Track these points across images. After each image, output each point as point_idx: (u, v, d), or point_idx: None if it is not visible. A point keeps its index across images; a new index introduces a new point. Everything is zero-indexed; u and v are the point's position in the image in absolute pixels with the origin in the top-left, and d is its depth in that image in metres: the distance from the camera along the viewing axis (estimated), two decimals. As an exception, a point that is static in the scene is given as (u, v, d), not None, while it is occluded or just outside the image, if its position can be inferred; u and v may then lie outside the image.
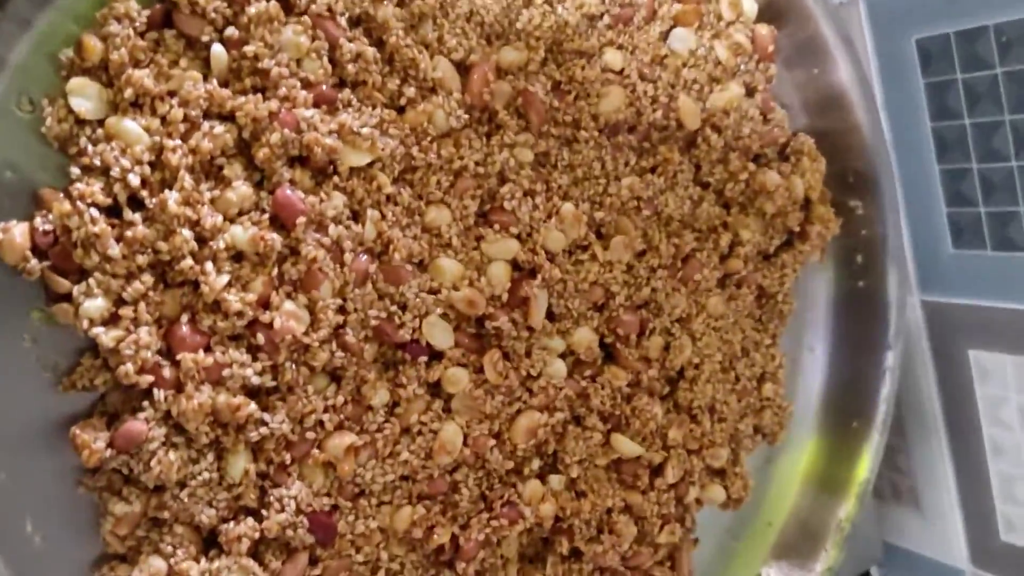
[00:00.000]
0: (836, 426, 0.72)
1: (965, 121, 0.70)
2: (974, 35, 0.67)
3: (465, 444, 0.56)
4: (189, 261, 0.48)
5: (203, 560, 0.51)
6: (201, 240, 0.48)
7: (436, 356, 0.56)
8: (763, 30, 0.65)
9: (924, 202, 0.74)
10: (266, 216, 0.50)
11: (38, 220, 0.47)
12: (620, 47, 0.61)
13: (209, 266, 0.48)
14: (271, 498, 0.52)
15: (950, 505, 0.79)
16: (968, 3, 0.67)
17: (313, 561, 0.54)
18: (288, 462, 0.52)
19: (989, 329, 0.72)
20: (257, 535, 0.51)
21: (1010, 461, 0.74)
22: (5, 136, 0.47)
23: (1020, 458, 0.73)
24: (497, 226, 0.57)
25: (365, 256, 0.52)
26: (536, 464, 0.60)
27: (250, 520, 0.51)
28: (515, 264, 0.58)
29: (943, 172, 0.73)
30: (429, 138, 0.54)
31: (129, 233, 0.47)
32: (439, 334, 0.55)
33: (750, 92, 0.66)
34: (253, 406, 0.50)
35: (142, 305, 0.48)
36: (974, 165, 0.70)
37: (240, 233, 0.49)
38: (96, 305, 0.47)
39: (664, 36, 0.62)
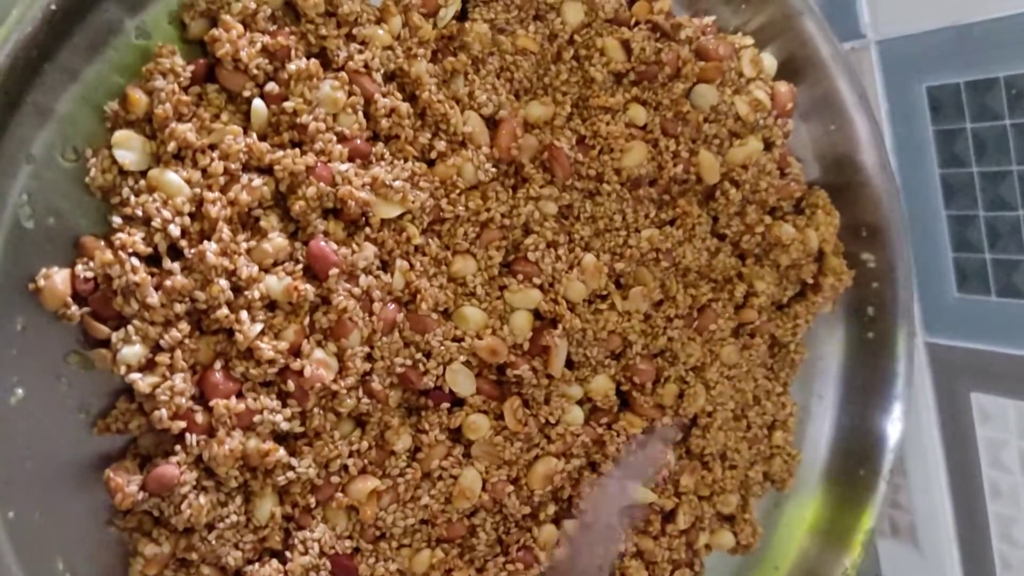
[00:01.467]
0: (843, 474, 0.73)
1: (973, 169, 0.71)
2: (985, 86, 0.68)
3: (484, 489, 0.57)
4: (225, 310, 0.49)
5: (228, 600, 0.52)
6: (237, 289, 0.50)
7: (458, 403, 0.57)
8: (782, 87, 0.66)
9: (931, 246, 0.75)
10: (300, 266, 0.51)
11: (79, 267, 0.48)
12: (644, 103, 0.62)
13: (244, 315, 0.50)
14: (295, 540, 0.53)
15: (948, 543, 0.80)
16: (980, 55, 0.68)
17: (334, 603, 0.55)
18: (313, 505, 0.53)
19: (991, 373, 0.73)
20: (281, 576, 0.53)
21: (1008, 503, 0.75)
22: (49, 184, 0.48)
23: (1018, 501, 0.74)
24: (521, 276, 0.58)
25: (393, 305, 0.54)
26: (552, 509, 0.61)
27: (274, 562, 0.52)
28: (536, 313, 0.59)
29: (950, 218, 0.74)
30: (458, 191, 0.55)
31: (168, 282, 0.48)
32: (462, 381, 0.57)
33: (768, 146, 0.67)
34: (282, 451, 0.51)
35: (178, 352, 0.49)
36: (981, 212, 0.71)
37: (275, 283, 0.50)
38: (134, 352, 0.48)
39: (687, 93, 0.63)
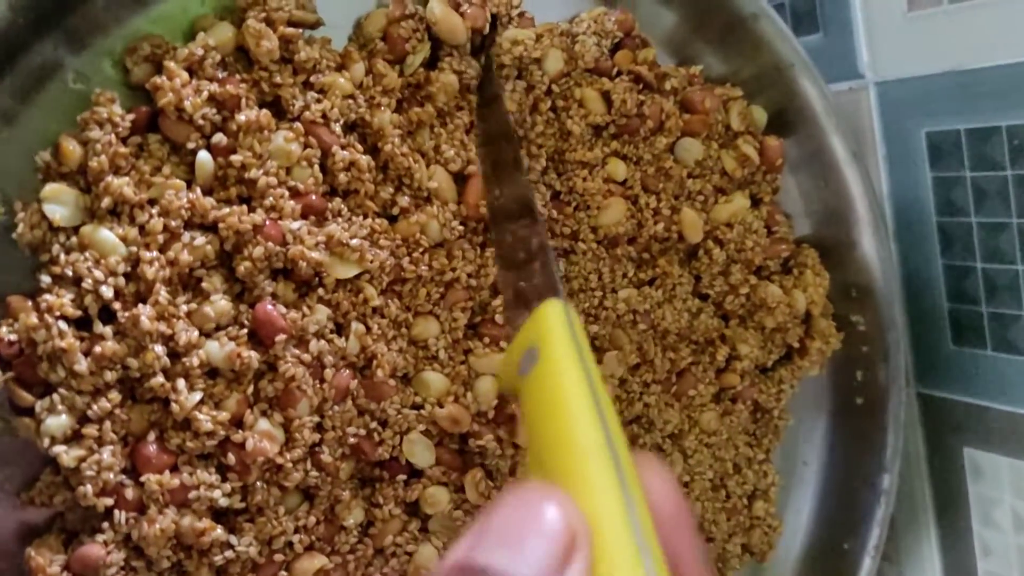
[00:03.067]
0: (827, 547, 0.70)
1: (972, 219, 0.69)
2: (986, 134, 0.66)
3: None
4: (160, 378, 0.46)
5: None
6: (174, 355, 0.46)
7: (415, 474, 0.54)
8: (772, 142, 0.64)
9: (926, 295, 0.72)
10: (244, 331, 0.48)
11: (3, 329, 0.45)
12: (624, 157, 0.59)
13: (181, 383, 0.46)
14: (234, 624, 0.49)
15: (936, 599, 0.77)
16: (982, 103, 0.66)
17: None
18: (254, 586, 0.50)
19: (985, 429, 0.71)
20: (216, 664, 0.49)
21: (999, 563, 0.72)
22: (-26, 237, 0.45)
23: (1009, 560, 0.72)
24: (487, 339, 0.55)
25: (347, 371, 0.50)
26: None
27: (210, 648, 0.49)
28: (503, 379, 0.56)
29: (946, 267, 0.71)
30: (421, 249, 0.52)
31: (98, 348, 0.45)
32: (420, 452, 0.53)
33: (756, 203, 0.64)
34: (219, 531, 0.47)
35: (107, 424, 0.45)
36: (978, 264, 0.69)
37: (216, 350, 0.47)
38: (59, 423, 0.45)
39: (670, 147, 0.60)
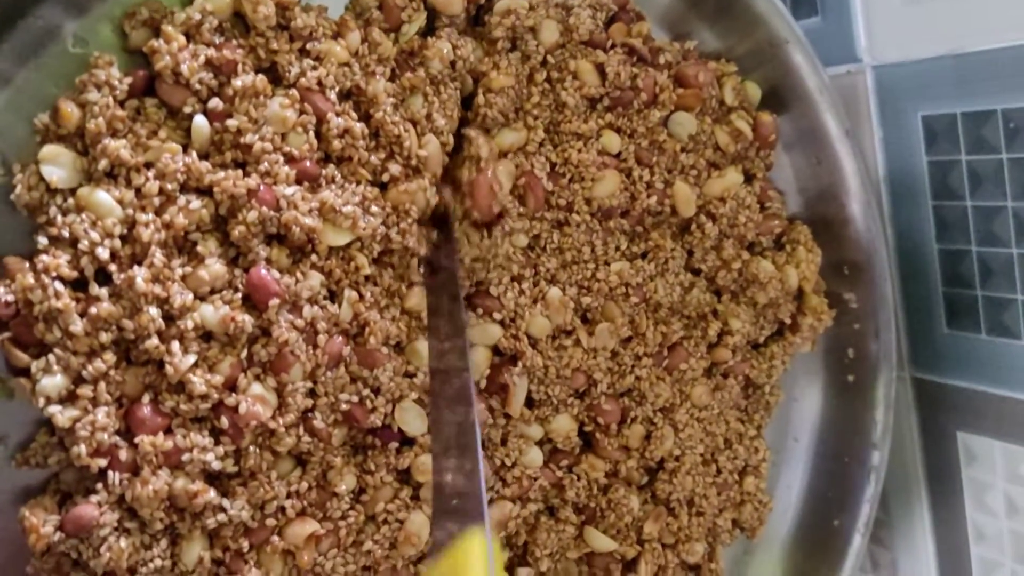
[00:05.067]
0: (817, 523, 0.70)
1: (967, 203, 0.69)
2: (982, 118, 0.66)
3: (432, 535, 0.54)
4: (155, 340, 0.46)
5: (150, 649, 0.49)
6: (169, 318, 0.47)
7: (407, 442, 0.54)
8: (765, 117, 0.64)
9: (921, 279, 0.72)
10: (239, 295, 0.48)
11: (0, 289, 0.45)
12: (619, 130, 0.59)
13: (175, 346, 0.46)
14: (226, 586, 0.50)
15: (929, 583, 0.77)
16: (978, 86, 0.66)
17: (266, 652, 0.52)
18: (245, 549, 0.50)
19: (979, 413, 0.71)
20: (208, 625, 0.49)
21: (992, 547, 0.72)
22: (-27, 198, 0.45)
23: (1002, 545, 0.72)
24: (481, 311, 0.55)
25: (340, 338, 0.51)
26: (505, 556, 0.58)
27: (202, 609, 0.49)
28: (496, 349, 0.56)
29: (941, 251, 0.71)
30: (409, 220, 0.52)
31: (94, 309, 0.45)
32: (412, 420, 0.53)
33: (748, 179, 0.64)
34: (212, 493, 0.48)
35: (102, 384, 0.46)
36: (973, 248, 0.69)
37: (210, 313, 0.47)
38: (54, 383, 0.45)
39: (664, 120, 0.60)
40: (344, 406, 0.51)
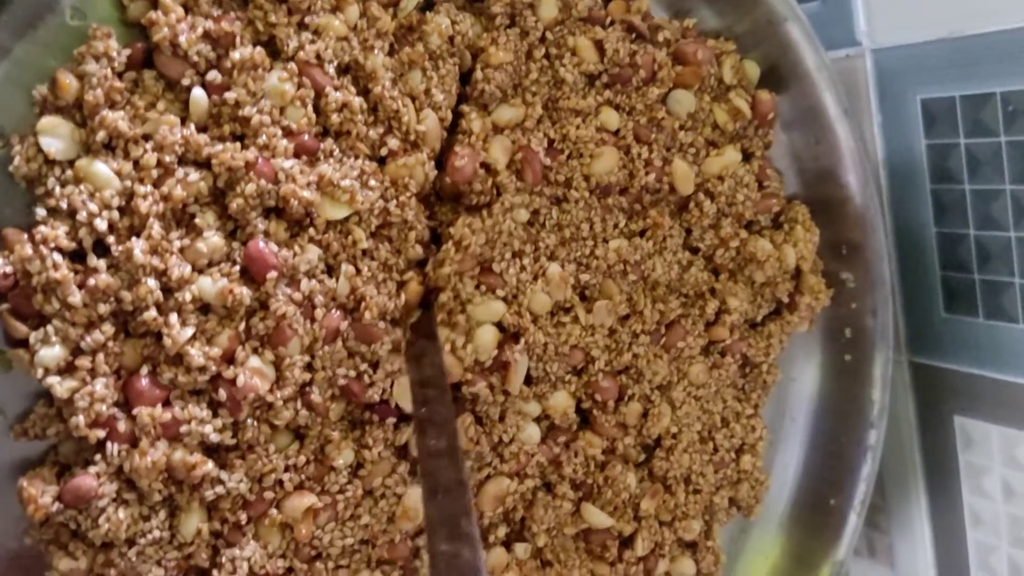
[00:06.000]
0: (813, 501, 0.70)
1: (965, 186, 0.69)
2: (980, 101, 0.66)
3: None
4: (153, 312, 0.46)
5: (149, 620, 0.49)
6: (167, 290, 0.47)
7: (405, 418, 0.54)
8: (764, 96, 0.64)
9: (919, 263, 0.72)
10: (237, 268, 0.48)
11: (-1, 260, 0.45)
12: (617, 107, 0.59)
13: (173, 318, 0.47)
14: (223, 559, 0.50)
15: (925, 568, 0.78)
16: (977, 69, 0.66)
17: (265, 624, 0.52)
18: (243, 522, 0.50)
19: (976, 397, 0.71)
20: (207, 597, 0.50)
21: (989, 531, 0.73)
22: (-29, 170, 0.45)
23: (999, 529, 0.72)
24: (484, 288, 0.55)
25: (337, 312, 0.51)
26: (502, 531, 0.58)
27: (200, 581, 0.50)
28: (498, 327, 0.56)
29: (939, 235, 0.71)
30: (408, 194, 0.52)
31: (92, 281, 0.45)
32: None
33: (747, 157, 0.64)
34: (210, 465, 0.48)
35: (100, 356, 0.46)
36: (971, 231, 0.69)
37: (208, 285, 0.47)
38: (52, 354, 0.45)
39: (663, 98, 0.60)
40: (341, 380, 0.51)
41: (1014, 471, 0.69)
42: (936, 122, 0.69)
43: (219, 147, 0.47)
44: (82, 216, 0.45)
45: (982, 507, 0.72)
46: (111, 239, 0.46)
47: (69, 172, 0.46)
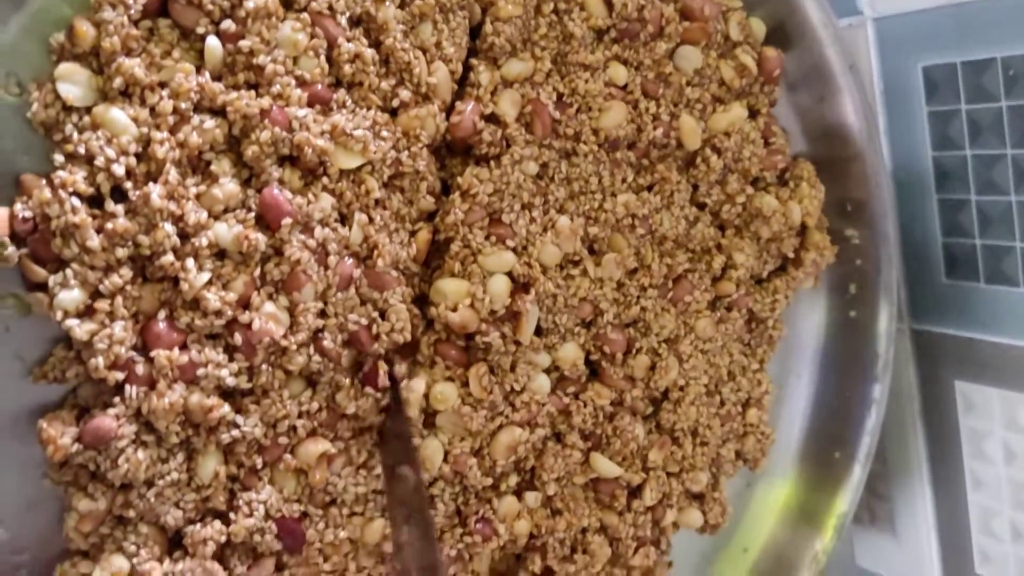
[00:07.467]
0: (818, 455, 0.71)
1: (966, 152, 0.69)
2: (981, 67, 0.66)
3: (445, 460, 0.55)
4: (170, 257, 0.47)
5: (167, 561, 0.50)
6: (184, 236, 0.47)
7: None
8: (770, 53, 0.64)
9: (920, 230, 0.73)
10: (252, 215, 0.49)
11: (18, 206, 0.46)
12: (625, 62, 0.60)
13: (190, 263, 0.47)
14: (240, 502, 0.51)
15: (927, 534, 0.78)
16: (977, 34, 0.66)
17: (279, 567, 0.53)
18: (259, 466, 0.51)
19: (977, 361, 0.72)
20: (224, 539, 0.50)
21: (990, 495, 0.73)
22: (-10, 118, 0.46)
23: (1000, 493, 0.72)
24: (494, 238, 0.56)
25: (350, 260, 0.51)
26: (513, 480, 0.59)
27: (217, 523, 0.50)
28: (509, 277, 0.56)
29: (941, 201, 0.72)
30: (420, 144, 0.53)
31: (110, 225, 0.46)
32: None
33: (753, 114, 0.65)
34: (226, 408, 0.49)
35: (119, 299, 0.46)
36: (972, 197, 0.70)
37: (224, 231, 0.48)
38: (72, 297, 0.46)
39: (670, 54, 0.61)
40: (352, 326, 0.52)
41: (1015, 434, 0.69)
42: (938, 89, 0.69)
43: (234, 95, 0.48)
44: (100, 161, 0.46)
45: (983, 471, 0.73)
46: (128, 184, 0.46)
47: (87, 119, 0.46)
